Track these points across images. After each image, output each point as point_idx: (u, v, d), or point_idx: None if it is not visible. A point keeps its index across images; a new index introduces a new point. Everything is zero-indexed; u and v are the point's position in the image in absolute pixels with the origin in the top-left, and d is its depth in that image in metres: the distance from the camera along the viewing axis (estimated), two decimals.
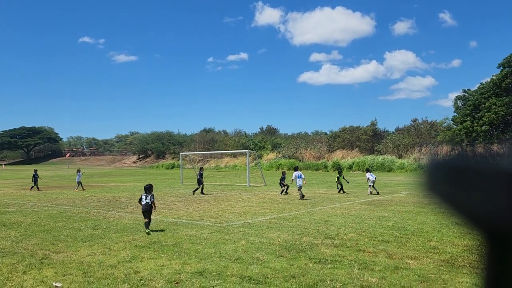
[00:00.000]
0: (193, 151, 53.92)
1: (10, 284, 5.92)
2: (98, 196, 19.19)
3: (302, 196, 16.59)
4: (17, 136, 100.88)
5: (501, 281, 0.44)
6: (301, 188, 16.92)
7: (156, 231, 9.77)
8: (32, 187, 23.25)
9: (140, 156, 78.32)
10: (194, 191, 19.67)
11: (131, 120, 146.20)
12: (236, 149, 51.26)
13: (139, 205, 10.25)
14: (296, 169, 18.07)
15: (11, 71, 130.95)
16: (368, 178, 18.48)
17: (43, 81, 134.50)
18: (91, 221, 11.55)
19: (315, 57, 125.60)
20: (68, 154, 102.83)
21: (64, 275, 6.30)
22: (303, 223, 10.69)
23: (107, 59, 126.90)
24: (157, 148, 72.29)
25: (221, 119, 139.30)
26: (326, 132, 61.41)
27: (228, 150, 52.13)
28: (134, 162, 77.39)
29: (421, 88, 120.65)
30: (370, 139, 48.05)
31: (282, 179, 18.98)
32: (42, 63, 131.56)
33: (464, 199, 0.46)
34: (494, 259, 0.44)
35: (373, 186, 18.39)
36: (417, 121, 47.81)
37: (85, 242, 8.68)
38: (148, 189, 10.17)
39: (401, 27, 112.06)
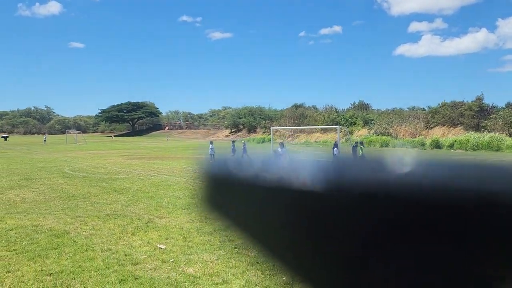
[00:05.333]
0: (283, 126, 54.33)
1: (122, 243, 6.57)
2: (195, 167, 20.32)
3: None
4: (124, 111, 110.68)
5: None
6: None
7: None
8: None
9: (232, 130, 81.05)
10: None
11: (224, 95, 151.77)
12: (326, 125, 50.42)
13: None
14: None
15: (120, 53, 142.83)
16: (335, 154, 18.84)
17: (147, 60, 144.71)
18: (189, 190, 12.30)
19: (414, 26, 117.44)
20: (166, 127, 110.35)
21: (166, 238, 6.81)
22: None
23: (204, 36, 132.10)
24: (249, 122, 74.08)
25: (312, 94, 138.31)
26: (423, 108, 57.43)
27: (318, 125, 51.48)
28: (227, 136, 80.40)
29: None
30: (476, 115, 43.86)
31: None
32: (145, 44, 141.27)
33: None
34: None
35: None
36: None
37: (184, 209, 9.27)
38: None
39: None
